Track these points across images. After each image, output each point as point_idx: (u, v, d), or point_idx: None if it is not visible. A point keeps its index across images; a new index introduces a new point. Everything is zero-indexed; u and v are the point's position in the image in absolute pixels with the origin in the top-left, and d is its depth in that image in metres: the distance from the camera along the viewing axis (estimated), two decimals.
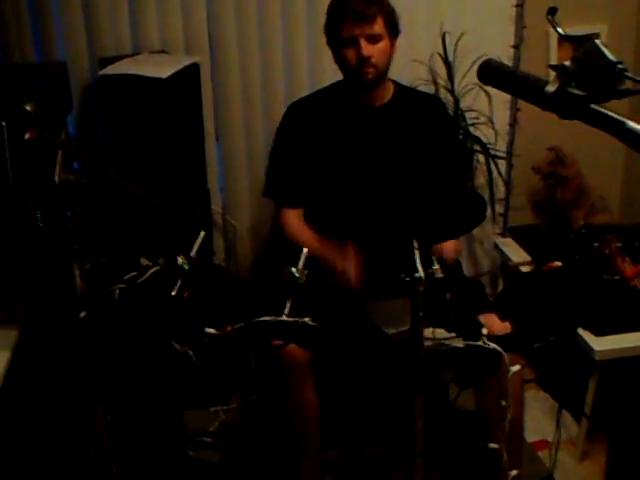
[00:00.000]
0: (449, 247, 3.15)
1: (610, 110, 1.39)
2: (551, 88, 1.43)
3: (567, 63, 1.42)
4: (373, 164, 3.24)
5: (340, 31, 3.11)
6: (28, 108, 2.76)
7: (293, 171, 3.30)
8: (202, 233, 2.41)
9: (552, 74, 1.44)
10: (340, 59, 3.17)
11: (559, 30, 1.53)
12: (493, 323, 2.78)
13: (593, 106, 1.39)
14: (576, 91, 1.40)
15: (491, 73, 1.63)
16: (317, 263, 3.04)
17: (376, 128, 3.28)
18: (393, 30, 3.16)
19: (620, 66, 1.36)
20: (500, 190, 4.35)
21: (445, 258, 2.93)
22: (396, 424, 2.77)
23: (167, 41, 3.81)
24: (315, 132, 3.27)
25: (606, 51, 1.37)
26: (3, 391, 2.55)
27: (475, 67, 1.68)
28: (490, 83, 1.68)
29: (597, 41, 1.39)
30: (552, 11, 1.55)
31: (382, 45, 3.11)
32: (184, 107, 3.62)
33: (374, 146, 3.26)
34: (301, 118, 3.32)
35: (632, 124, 1.34)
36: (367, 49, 3.07)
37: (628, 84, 1.37)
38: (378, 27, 3.08)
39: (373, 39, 3.09)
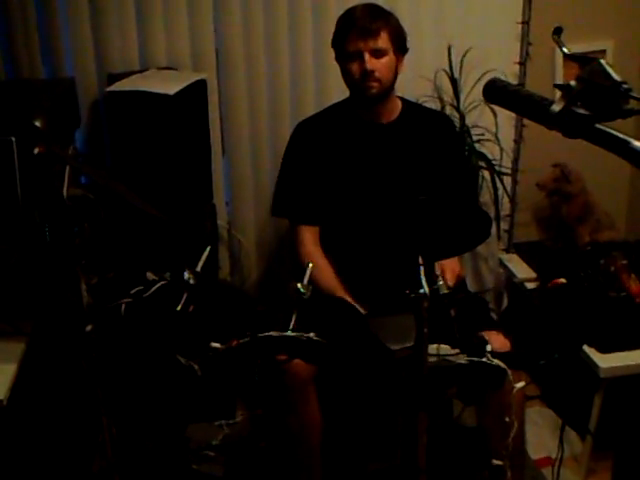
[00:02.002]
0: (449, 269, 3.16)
1: (615, 129, 1.40)
2: (556, 107, 1.44)
3: (572, 83, 1.43)
4: (380, 181, 3.24)
5: (346, 45, 3.13)
6: (37, 123, 2.78)
7: (305, 189, 3.30)
8: (208, 248, 2.42)
9: (557, 93, 1.45)
10: (345, 73, 3.19)
11: (564, 50, 1.54)
12: (496, 340, 2.79)
13: (598, 126, 1.40)
14: (581, 110, 1.41)
15: (496, 92, 1.64)
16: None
17: (383, 145, 3.28)
18: (399, 46, 3.18)
19: (625, 86, 1.37)
20: (505, 206, 4.35)
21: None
22: (400, 440, 2.78)
23: (174, 57, 3.82)
24: (323, 150, 3.28)
25: (611, 71, 1.38)
26: (10, 403, 2.56)
27: (481, 83, 1.70)
28: (496, 102, 1.69)
29: (602, 61, 1.40)
30: (558, 31, 1.56)
31: (386, 60, 3.13)
32: (191, 123, 3.63)
33: (381, 163, 3.27)
34: (309, 137, 3.33)
35: (637, 144, 1.35)
36: (371, 63, 3.09)
37: (633, 104, 1.38)
38: (382, 42, 3.10)
39: (377, 53, 3.11)
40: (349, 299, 3.14)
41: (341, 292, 3.16)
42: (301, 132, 3.38)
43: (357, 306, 3.11)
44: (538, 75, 4.19)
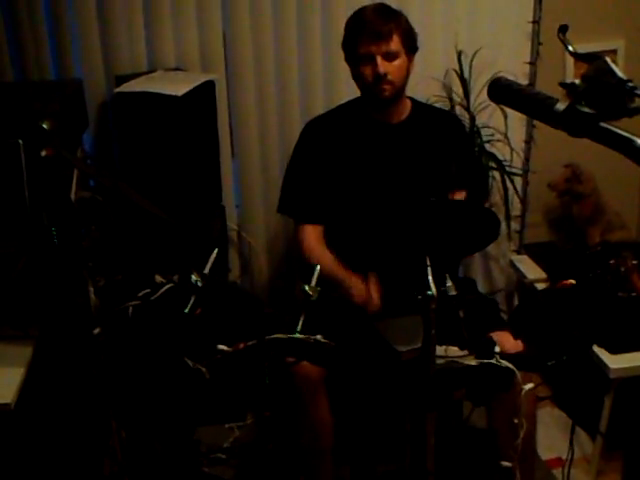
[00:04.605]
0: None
1: (619, 128, 1.38)
2: (561, 106, 1.43)
3: (577, 81, 1.42)
4: (389, 181, 3.24)
5: (357, 48, 3.12)
6: (44, 125, 2.77)
7: (310, 188, 3.29)
8: (215, 250, 2.41)
9: (563, 92, 1.44)
10: (357, 76, 3.18)
11: (570, 48, 1.53)
12: (506, 341, 2.77)
13: (602, 124, 1.39)
14: (586, 109, 1.40)
15: (501, 91, 1.63)
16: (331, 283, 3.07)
17: (393, 145, 3.27)
18: (410, 47, 3.16)
19: (630, 84, 1.35)
20: (516, 207, 4.34)
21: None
22: (408, 441, 2.77)
23: (183, 58, 3.83)
24: (332, 150, 3.27)
25: (616, 69, 1.37)
26: (18, 406, 2.56)
27: None
28: (500, 101, 1.68)
29: (607, 59, 1.39)
30: (563, 29, 1.55)
31: (399, 62, 3.12)
32: (200, 124, 3.63)
33: (390, 163, 3.26)
34: (318, 136, 3.33)
35: None
36: (383, 66, 3.08)
37: (639, 102, 1.37)
38: (394, 44, 3.09)
39: (390, 56, 3.09)
40: (350, 278, 3.15)
41: (342, 273, 3.16)
42: (310, 131, 3.37)
43: (359, 284, 3.10)
44: (549, 75, 4.17)
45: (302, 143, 3.38)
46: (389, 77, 3.10)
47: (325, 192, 3.27)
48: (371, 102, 3.25)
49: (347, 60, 3.24)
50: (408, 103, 3.34)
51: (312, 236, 3.30)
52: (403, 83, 3.19)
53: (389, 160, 3.27)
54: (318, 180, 3.27)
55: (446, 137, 3.36)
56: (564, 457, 2.83)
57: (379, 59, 3.08)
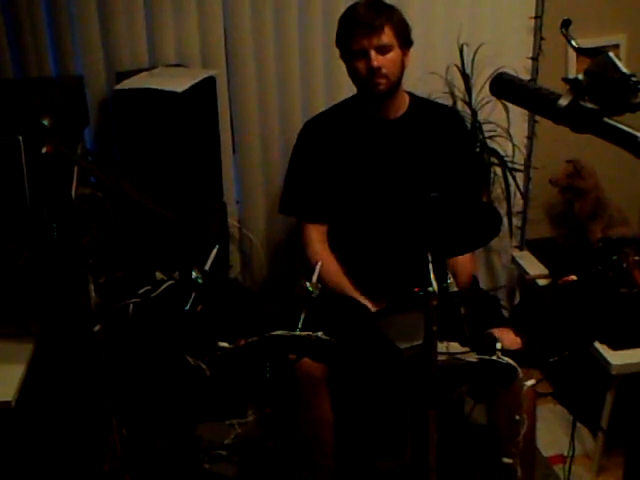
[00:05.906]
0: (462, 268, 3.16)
1: (623, 124, 1.38)
2: (564, 101, 1.42)
3: (580, 76, 1.42)
4: (388, 177, 3.23)
5: (350, 43, 3.12)
6: (45, 122, 2.77)
7: (312, 187, 3.29)
8: (216, 247, 2.41)
9: (566, 87, 1.44)
10: (352, 71, 3.18)
11: (573, 43, 1.53)
12: (507, 338, 2.77)
13: (606, 120, 1.38)
14: (589, 104, 1.40)
15: (503, 87, 1.62)
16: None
17: (390, 141, 3.27)
18: (404, 40, 3.16)
19: (634, 79, 1.35)
20: (517, 203, 4.32)
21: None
22: (409, 438, 2.77)
23: (184, 55, 3.82)
24: (331, 148, 3.27)
25: (619, 64, 1.37)
26: (19, 403, 2.55)
27: None
28: (503, 97, 1.67)
29: (610, 54, 1.39)
30: (566, 24, 1.54)
31: (392, 55, 3.11)
32: (200, 120, 3.62)
33: (388, 159, 3.25)
34: (317, 135, 3.33)
35: None
36: (377, 60, 3.07)
37: None
38: (387, 37, 3.08)
39: (383, 49, 3.09)
40: (358, 296, 3.13)
41: (350, 289, 3.16)
42: (309, 130, 3.37)
43: (367, 302, 3.10)
44: (551, 70, 4.15)
45: (300, 143, 3.38)
46: (383, 70, 3.10)
47: (326, 190, 3.27)
48: (367, 98, 3.25)
49: (342, 57, 3.24)
50: (406, 98, 3.33)
51: (317, 238, 3.31)
52: (398, 77, 3.18)
53: (387, 156, 3.27)
54: (319, 179, 3.27)
55: (445, 132, 3.35)
56: (565, 454, 2.83)
57: (372, 53, 3.07)
